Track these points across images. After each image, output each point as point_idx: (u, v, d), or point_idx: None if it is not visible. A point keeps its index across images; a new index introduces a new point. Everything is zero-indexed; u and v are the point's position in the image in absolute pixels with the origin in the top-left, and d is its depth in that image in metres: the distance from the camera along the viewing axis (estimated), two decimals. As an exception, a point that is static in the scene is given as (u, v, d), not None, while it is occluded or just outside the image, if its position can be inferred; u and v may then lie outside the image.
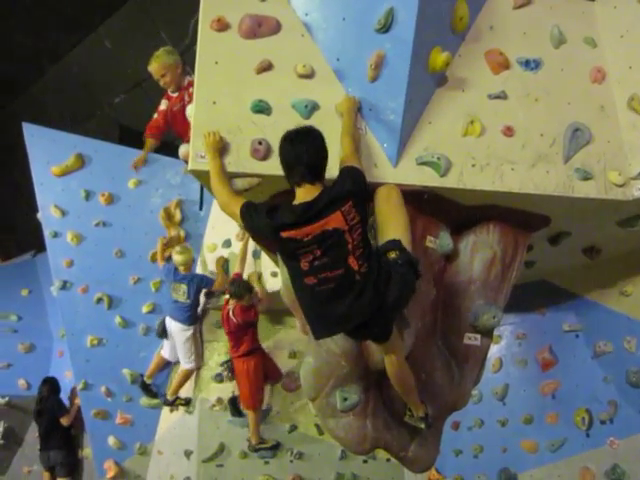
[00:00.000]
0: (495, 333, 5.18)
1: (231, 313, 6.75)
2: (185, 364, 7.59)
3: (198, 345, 7.69)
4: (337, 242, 3.40)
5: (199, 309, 7.65)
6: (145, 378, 7.83)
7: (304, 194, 3.51)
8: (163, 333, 7.56)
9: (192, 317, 7.47)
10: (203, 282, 7.39)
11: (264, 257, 6.36)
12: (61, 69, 9.17)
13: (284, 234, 3.44)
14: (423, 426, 4.19)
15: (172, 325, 7.44)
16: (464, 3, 4.31)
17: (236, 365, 7.00)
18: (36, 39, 8.79)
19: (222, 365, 7.58)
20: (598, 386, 6.31)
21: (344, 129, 3.81)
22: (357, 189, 3.50)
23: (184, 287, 7.28)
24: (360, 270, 3.42)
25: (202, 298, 7.60)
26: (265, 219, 3.49)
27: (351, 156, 3.66)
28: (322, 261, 3.42)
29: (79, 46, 8.68)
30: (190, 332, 7.47)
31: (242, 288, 6.74)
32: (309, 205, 3.44)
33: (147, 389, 7.88)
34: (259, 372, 6.95)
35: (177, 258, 7.35)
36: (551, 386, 6.69)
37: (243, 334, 6.87)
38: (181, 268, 7.36)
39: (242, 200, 3.60)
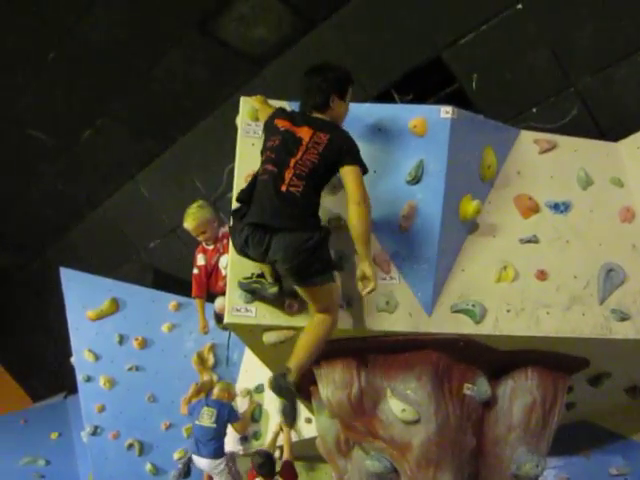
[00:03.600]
0: (539, 478, 4.98)
1: None
2: None
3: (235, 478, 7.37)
4: (290, 147, 3.62)
5: (229, 450, 7.42)
6: None
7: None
8: (187, 474, 7.25)
9: (219, 448, 7.08)
10: (231, 413, 7.11)
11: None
12: (98, 215, 9.48)
13: (276, 120, 3.81)
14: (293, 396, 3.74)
15: (201, 463, 7.08)
16: (492, 151, 4.45)
17: None
18: (75, 187, 9.14)
19: None
20: (647, 533, 6.01)
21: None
22: (342, 147, 3.65)
23: (214, 410, 7.01)
24: (290, 185, 3.53)
25: (236, 443, 7.40)
26: (277, 110, 3.98)
27: (357, 182, 3.69)
28: (271, 154, 3.66)
29: (116, 193, 9.00)
30: (222, 465, 7.08)
31: (269, 467, 6.39)
32: (305, 115, 3.80)
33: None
34: None
35: (216, 390, 7.23)
36: (600, 533, 6.37)
37: None
38: (218, 397, 7.18)
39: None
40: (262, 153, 3.77)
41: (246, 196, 3.70)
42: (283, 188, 3.53)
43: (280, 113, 3.89)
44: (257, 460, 6.41)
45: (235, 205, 3.82)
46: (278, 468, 6.53)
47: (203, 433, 7.03)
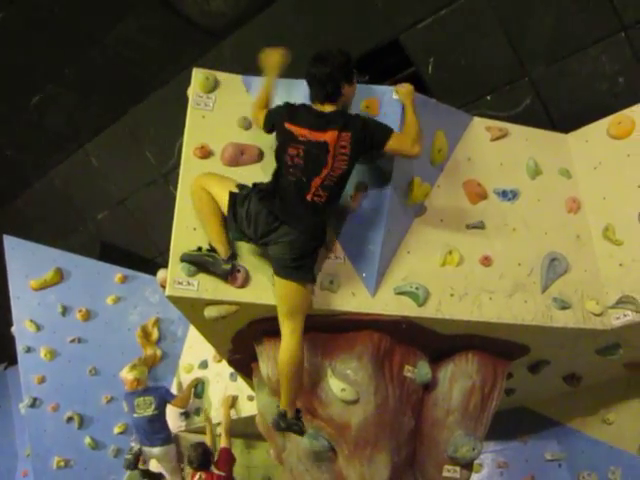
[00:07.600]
0: (476, 462, 5.04)
1: None
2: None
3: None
4: (318, 155, 3.61)
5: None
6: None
7: (321, 107, 3.78)
8: (136, 466, 7.07)
9: (168, 433, 7.11)
10: (167, 393, 7.13)
11: (240, 380, 6.24)
12: (45, 184, 9.24)
13: (288, 125, 3.72)
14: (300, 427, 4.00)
15: (154, 452, 7.02)
16: (443, 135, 4.45)
17: None
18: (23, 153, 8.90)
19: None
20: (583, 519, 6.13)
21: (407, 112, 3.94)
22: (365, 136, 3.68)
23: (151, 398, 6.97)
24: (315, 195, 3.62)
25: (177, 420, 7.35)
26: (283, 108, 3.85)
27: (401, 133, 3.83)
28: (299, 162, 3.62)
29: (65, 162, 8.79)
30: (174, 450, 7.15)
31: (204, 456, 6.27)
32: (321, 114, 3.73)
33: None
34: None
35: (129, 376, 7.09)
36: (535, 517, 6.48)
37: None
38: (133, 385, 7.09)
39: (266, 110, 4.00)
40: (278, 156, 3.76)
41: (270, 186, 3.72)
42: (308, 197, 3.61)
43: (290, 116, 3.77)
44: (191, 453, 6.32)
45: (256, 186, 3.79)
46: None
47: (147, 423, 6.98)
